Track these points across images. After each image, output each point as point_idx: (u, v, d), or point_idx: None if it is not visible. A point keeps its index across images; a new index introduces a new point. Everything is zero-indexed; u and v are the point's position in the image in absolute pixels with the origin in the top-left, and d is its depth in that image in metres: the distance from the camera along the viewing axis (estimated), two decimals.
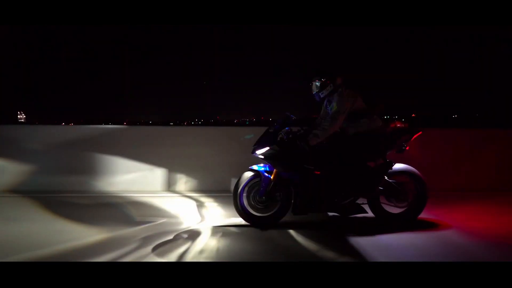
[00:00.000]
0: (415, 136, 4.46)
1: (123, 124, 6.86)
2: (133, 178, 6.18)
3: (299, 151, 4.21)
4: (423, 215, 4.53)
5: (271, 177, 4.26)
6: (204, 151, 6.30)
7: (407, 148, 4.45)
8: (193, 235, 4.06)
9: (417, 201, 4.44)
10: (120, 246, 3.69)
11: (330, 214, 4.71)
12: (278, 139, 4.27)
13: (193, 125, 8.05)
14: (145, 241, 3.84)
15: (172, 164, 6.24)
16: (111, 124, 6.79)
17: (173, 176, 6.23)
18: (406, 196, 4.41)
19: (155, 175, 6.22)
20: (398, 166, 4.42)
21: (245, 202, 4.35)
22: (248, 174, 4.34)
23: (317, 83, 4.40)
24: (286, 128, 4.33)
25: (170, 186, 6.22)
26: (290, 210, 4.34)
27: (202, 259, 3.45)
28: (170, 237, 3.98)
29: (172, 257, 3.48)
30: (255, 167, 4.35)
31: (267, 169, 4.31)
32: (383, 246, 3.79)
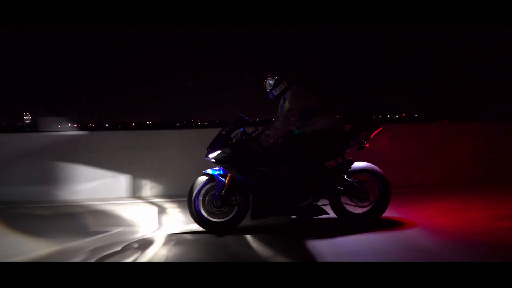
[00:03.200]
0: (375, 132, 4.32)
1: (83, 129, 6.62)
2: (96, 185, 6.01)
3: (252, 153, 4.05)
4: (387, 214, 4.39)
5: (225, 181, 4.10)
6: (170, 155, 6.14)
7: (367, 145, 4.31)
8: (145, 244, 3.89)
9: (380, 200, 4.30)
10: (67, 258, 3.52)
11: (292, 217, 4.57)
12: (233, 141, 4.11)
13: (157, 128, 7.87)
14: (93, 253, 3.67)
15: (137, 169, 6.08)
16: (70, 131, 6.59)
17: (138, 182, 6.07)
18: (368, 195, 4.27)
19: (119, 181, 6.05)
20: (358, 164, 4.28)
21: (201, 208, 4.19)
22: (202, 179, 4.19)
23: (271, 81, 4.24)
24: (241, 130, 4.17)
25: (135, 193, 6.05)
26: (248, 215, 4.18)
27: None
28: (119, 248, 3.81)
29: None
30: (209, 171, 4.20)
31: (222, 172, 4.15)
32: (342, 250, 3.62)
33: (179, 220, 4.71)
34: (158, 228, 4.38)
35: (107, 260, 3.49)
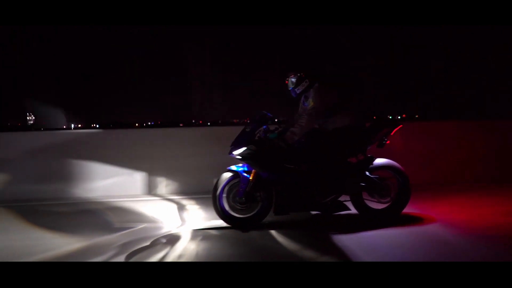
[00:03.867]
0: (395, 129, 4.40)
1: (98, 128, 6.67)
2: (111, 183, 6.05)
3: (277, 149, 4.13)
4: (406, 210, 4.47)
5: (250, 177, 4.17)
6: (185, 153, 6.19)
7: (388, 142, 4.38)
8: (172, 239, 3.95)
9: (401, 196, 4.38)
10: (98, 254, 3.58)
11: (313, 213, 4.64)
12: (256, 138, 4.18)
13: (172, 126, 7.93)
14: (123, 248, 3.73)
15: (152, 167, 6.13)
16: (85, 129, 6.63)
17: (153, 179, 6.11)
18: (389, 191, 4.35)
19: (135, 179, 6.10)
20: (379, 161, 4.36)
21: (225, 204, 4.25)
22: (226, 175, 4.25)
23: (293, 79, 4.32)
24: (264, 127, 4.24)
25: (151, 190, 6.10)
26: (272, 211, 4.25)
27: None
28: (148, 243, 3.87)
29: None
30: (233, 167, 4.26)
31: (246, 169, 4.22)
32: (367, 244, 3.71)
33: (200, 216, 4.77)
34: (182, 224, 4.44)
35: (139, 255, 3.55)
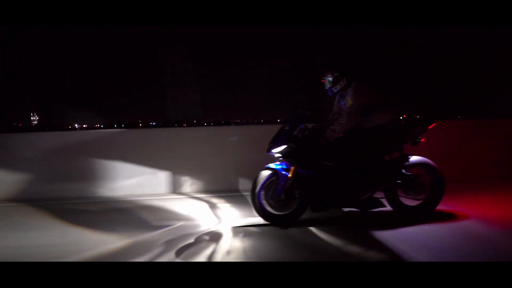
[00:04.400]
0: (429, 127, 4.47)
1: (121, 127, 6.69)
2: (135, 182, 6.07)
3: (316, 147, 4.19)
4: (439, 207, 4.54)
5: (289, 175, 4.22)
6: (208, 152, 6.23)
7: (422, 140, 4.46)
8: (215, 237, 3.99)
9: (434, 193, 4.46)
10: (146, 251, 3.61)
11: (346, 210, 4.70)
12: (296, 136, 4.23)
13: (193, 125, 7.92)
14: (169, 245, 3.76)
15: (176, 166, 6.15)
16: (109, 128, 6.65)
17: (177, 178, 6.14)
18: (423, 188, 4.43)
19: (159, 178, 6.12)
20: (414, 158, 4.43)
21: (264, 201, 4.30)
22: (265, 173, 4.29)
23: (330, 78, 4.38)
24: (301, 125, 4.29)
25: (175, 188, 6.13)
26: (309, 208, 4.30)
27: (229, 260, 3.39)
28: (192, 240, 3.91)
29: (200, 259, 3.41)
30: (272, 165, 4.30)
31: (284, 166, 4.27)
32: (408, 239, 3.78)
33: (234, 214, 4.81)
34: (219, 222, 4.48)
35: (186, 252, 3.59)
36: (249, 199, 5.42)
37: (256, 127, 6.61)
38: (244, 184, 6.12)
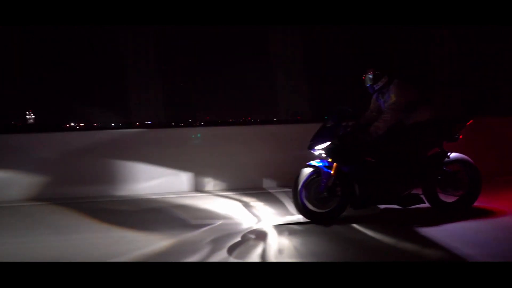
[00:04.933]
0: (467, 124, 4.49)
1: (139, 127, 6.65)
2: (157, 181, 6.01)
3: (360, 144, 4.19)
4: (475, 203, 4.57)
5: (332, 172, 4.21)
6: (231, 150, 6.20)
7: (461, 136, 4.47)
8: (261, 235, 3.96)
9: (472, 189, 4.48)
10: (196, 250, 3.57)
11: (382, 207, 4.69)
12: (338, 133, 4.22)
13: (211, 125, 7.88)
14: (217, 243, 3.72)
15: (197, 164, 6.12)
16: (128, 128, 6.59)
17: (200, 176, 6.10)
18: (462, 184, 4.45)
19: (180, 176, 6.08)
20: (453, 154, 4.45)
21: (305, 199, 4.28)
22: (307, 171, 4.27)
23: (370, 76, 4.38)
24: (343, 122, 4.28)
25: (197, 187, 6.08)
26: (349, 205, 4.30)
27: (284, 258, 3.38)
28: (239, 238, 3.88)
29: (253, 258, 3.39)
30: (313, 162, 4.29)
31: (326, 164, 4.26)
32: (456, 235, 3.79)
33: (269, 212, 4.78)
34: (259, 221, 4.44)
35: (237, 251, 3.56)
36: (278, 196, 5.48)
37: (275, 127, 6.66)
38: (267, 183, 6.16)
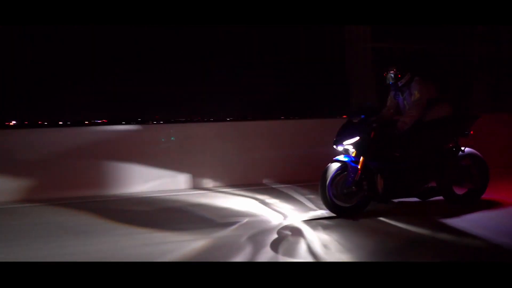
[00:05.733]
0: (476, 121, 4.74)
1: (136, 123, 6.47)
2: (156, 180, 5.88)
3: (386, 139, 4.31)
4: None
5: (359, 167, 4.29)
6: (225, 147, 6.19)
7: (472, 132, 4.71)
8: (296, 231, 3.97)
9: (482, 182, 4.74)
10: (238, 248, 3.50)
11: (395, 200, 4.80)
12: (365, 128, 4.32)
13: (206, 121, 7.69)
14: (256, 241, 3.67)
15: (194, 162, 6.05)
16: (124, 124, 6.36)
17: (197, 173, 6.02)
18: (473, 177, 4.70)
19: (179, 174, 5.98)
20: (466, 149, 4.68)
21: (332, 194, 4.33)
22: (334, 166, 4.32)
23: (392, 74, 4.51)
24: (362, 117, 4.38)
25: (196, 184, 6.00)
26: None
27: (333, 253, 3.40)
28: (275, 235, 3.86)
29: (301, 254, 3.38)
30: (341, 157, 4.35)
31: (353, 159, 4.34)
32: (482, 225, 4.01)
33: (288, 208, 4.79)
34: (285, 217, 4.43)
35: (282, 248, 3.55)
36: (287, 192, 5.53)
37: (278, 122, 6.77)
38: (265, 179, 6.24)
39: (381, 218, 4.27)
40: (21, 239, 3.88)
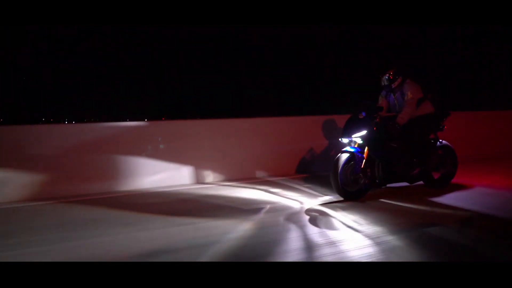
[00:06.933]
0: (448, 117, 5.69)
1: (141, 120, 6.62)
2: (159, 175, 6.11)
3: (387, 132, 5.06)
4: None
5: (365, 156, 4.99)
6: (224, 144, 6.58)
7: (445, 127, 5.64)
8: (322, 212, 4.51)
9: (453, 168, 5.69)
10: (283, 230, 3.90)
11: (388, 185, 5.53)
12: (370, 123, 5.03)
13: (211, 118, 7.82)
14: (294, 221, 4.16)
15: (197, 157, 6.38)
16: (129, 121, 6.49)
17: (199, 168, 6.36)
18: (446, 164, 5.63)
19: (181, 169, 6.26)
20: (443, 141, 5.62)
21: (341, 180, 4.97)
22: (344, 156, 4.96)
23: (387, 76, 5.29)
24: (363, 113, 5.10)
25: (198, 179, 6.33)
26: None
27: (364, 225, 3.96)
28: (306, 215, 4.37)
29: (339, 227, 3.94)
30: (349, 149, 5.01)
31: (359, 150, 5.02)
32: (463, 199, 4.94)
33: (296, 196, 5.31)
34: (301, 203, 4.95)
35: (322, 223, 4.09)
36: (286, 183, 6.06)
37: (271, 120, 7.31)
38: (261, 173, 6.71)
39: (382, 200, 5.00)
40: (72, 231, 4.01)
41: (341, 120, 6.35)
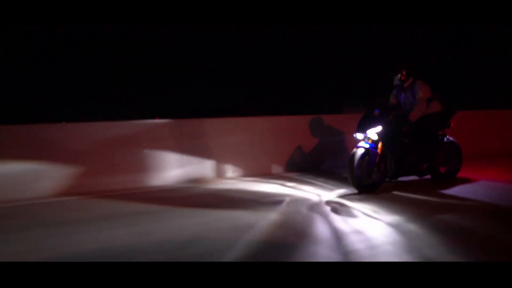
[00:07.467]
0: (455, 115, 6.02)
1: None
2: (184, 170, 6.36)
3: (400, 128, 5.38)
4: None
5: (378, 151, 5.29)
6: (244, 140, 6.84)
7: (452, 124, 5.98)
8: (340, 203, 4.79)
9: (458, 163, 6.03)
10: (308, 216, 4.24)
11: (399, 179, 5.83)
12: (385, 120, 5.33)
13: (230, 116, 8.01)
14: (316, 210, 4.47)
15: (219, 154, 6.63)
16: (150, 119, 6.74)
17: (221, 164, 6.62)
18: (452, 159, 5.97)
19: (205, 165, 6.51)
20: (450, 138, 5.95)
21: (357, 174, 5.27)
22: (360, 151, 5.25)
23: (398, 76, 5.60)
24: (376, 111, 5.41)
25: (219, 174, 6.60)
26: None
27: (383, 214, 4.25)
28: (327, 206, 4.66)
29: (360, 216, 4.23)
30: (363, 144, 5.29)
31: (373, 145, 5.32)
32: (471, 191, 5.26)
33: (312, 189, 5.59)
34: (319, 195, 5.23)
35: (344, 211, 4.39)
36: (299, 178, 6.35)
37: (285, 118, 7.58)
38: (276, 169, 6.99)
39: (395, 192, 5.31)
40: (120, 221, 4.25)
41: (347, 119, 6.70)
